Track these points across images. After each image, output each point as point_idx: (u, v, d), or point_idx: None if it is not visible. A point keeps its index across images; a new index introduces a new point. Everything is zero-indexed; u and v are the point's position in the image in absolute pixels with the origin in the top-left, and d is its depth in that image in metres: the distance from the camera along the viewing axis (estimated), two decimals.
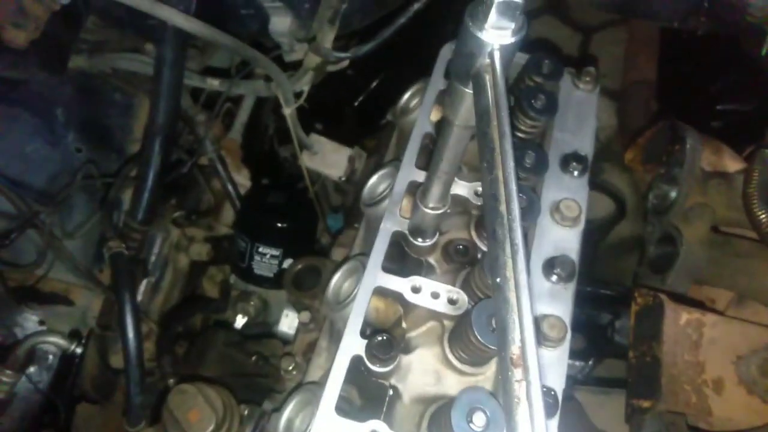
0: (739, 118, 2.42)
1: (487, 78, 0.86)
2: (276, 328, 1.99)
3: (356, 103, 2.78)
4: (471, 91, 0.92)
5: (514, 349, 0.76)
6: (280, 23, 1.72)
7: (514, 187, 0.84)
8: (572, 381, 2.01)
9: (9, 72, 1.62)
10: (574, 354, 2.23)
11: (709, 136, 1.51)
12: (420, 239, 1.32)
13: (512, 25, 0.82)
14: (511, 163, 0.85)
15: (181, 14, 1.46)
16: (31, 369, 2.04)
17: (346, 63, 1.82)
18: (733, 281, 1.39)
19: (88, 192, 2.15)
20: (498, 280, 0.80)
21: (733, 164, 1.45)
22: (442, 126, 1.06)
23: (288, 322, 1.96)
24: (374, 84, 2.76)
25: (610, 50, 3.07)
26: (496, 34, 0.83)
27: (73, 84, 2.14)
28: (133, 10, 1.59)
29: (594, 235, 2.42)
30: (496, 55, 0.85)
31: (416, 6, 1.56)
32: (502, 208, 0.83)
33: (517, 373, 0.75)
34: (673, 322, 1.32)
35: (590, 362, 2.18)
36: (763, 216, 1.28)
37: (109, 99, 2.29)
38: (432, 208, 1.24)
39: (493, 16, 0.81)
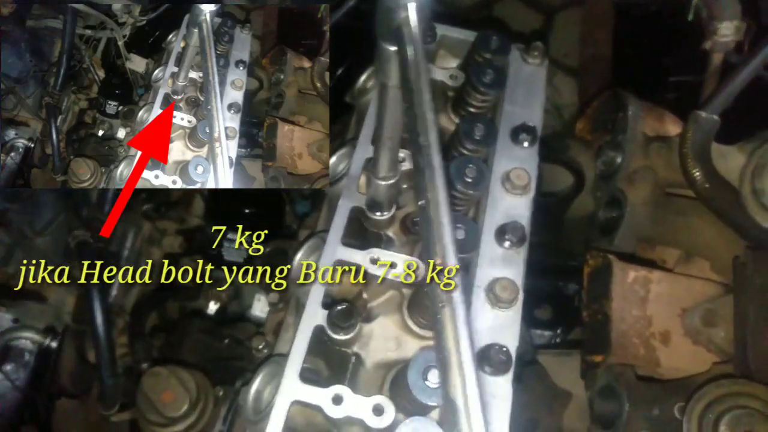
0: (691, 88, 2.50)
1: (406, 31, 0.92)
2: (249, 312, 2.03)
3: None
4: (391, 47, 0.96)
5: (437, 260, 0.85)
6: None
7: (432, 118, 0.91)
8: (538, 347, 2.08)
9: None
10: (542, 324, 2.30)
11: (651, 104, 1.58)
12: (378, 213, 1.37)
13: None
14: (428, 97, 0.92)
15: None
16: (8, 367, 2.05)
17: None
18: (676, 239, 1.47)
19: (55, 190, 2.16)
20: (421, 202, 0.88)
21: (674, 128, 1.52)
22: (378, 93, 1.10)
23: (260, 306, 2.00)
24: (339, 71, 2.80)
25: (572, 30, 3.13)
26: None
27: None
28: None
29: (557, 208, 2.49)
30: (411, 7, 0.92)
31: None
32: (422, 139, 0.90)
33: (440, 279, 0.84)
34: (621, 280, 1.39)
35: (558, 331, 2.26)
36: (697, 173, 1.35)
37: None
38: (383, 179, 1.28)
39: None
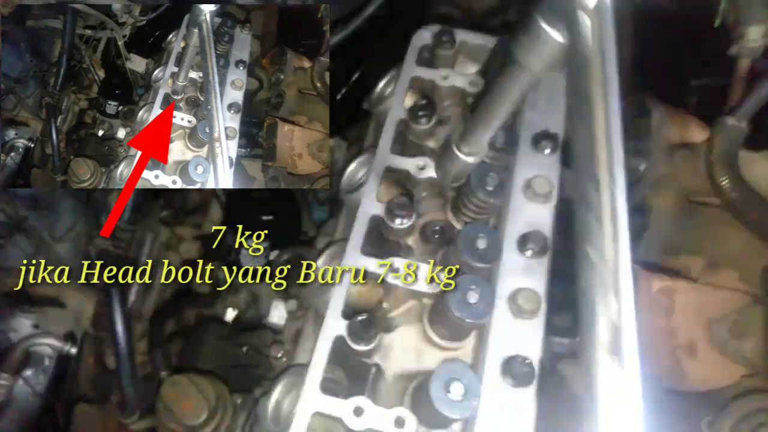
0: (712, 93, 2.46)
1: (588, 21, 0.72)
2: (267, 319, 2.02)
3: (338, 97, 2.81)
4: (557, 35, 0.77)
5: (605, 335, 0.66)
6: None
7: (618, 148, 0.71)
8: (559, 356, 2.05)
9: None
10: (562, 331, 2.26)
11: (676, 109, 1.55)
12: (399, 221, 1.35)
13: None
14: (616, 122, 0.73)
15: None
16: (28, 372, 2.06)
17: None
18: (702, 248, 1.44)
19: (75, 196, 2.18)
20: (589, 252, 0.70)
21: (699, 135, 1.49)
22: (507, 68, 0.91)
23: (278, 314, 1.99)
24: (354, 77, 2.79)
25: None
26: None
27: None
28: None
29: None
30: None
31: None
32: (601, 171, 0.70)
33: (608, 361, 0.65)
34: (645, 290, 1.36)
35: (578, 339, 2.22)
36: (725, 182, 1.32)
37: None
38: (468, 154, 1.18)
39: None
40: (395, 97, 1.57)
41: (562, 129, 1.52)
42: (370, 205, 1.38)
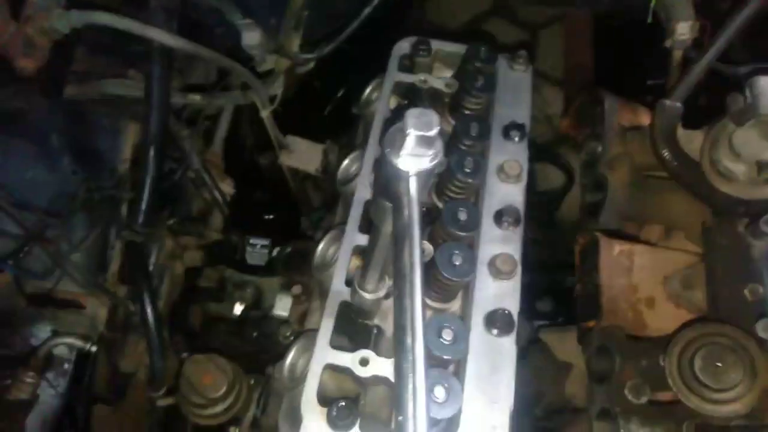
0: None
1: (405, 201, 0.90)
2: (271, 312, 2.19)
3: (325, 113, 3.02)
4: (388, 207, 0.97)
5: None
6: (252, 37, 1.96)
7: (419, 320, 0.86)
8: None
9: (15, 101, 1.82)
10: (544, 316, 2.46)
11: (625, 98, 1.79)
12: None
13: (430, 153, 0.86)
14: (418, 298, 0.87)
15: (168, 33, 1.69)
16: (50, 374, 2.19)
17: (312, 64, 2.07)
18: (655, 215, 1.64)
19: (87, 209, 2.33)
20: (400, 418, 0.83)
21: (646, 119, 1.71)
22: (372, 227, 1.15)
23: (282, 306, 2.15)
24: (341, 93, 3.00)
25: (557, 44, 3.36)
26: (413, 161, 0.86)
27: (65, 111, 2.34)
28: (118, 38, 1.82)
29: (551, 205, 2.68)
30: (412, 182, 0.88)
31: (367, 10, 1.81)
32: (409, 340, 0.86)
33: None
34: (607, 253, 1.56)
35: (560, 321, 2.42)
36: (666, 154, 1.53)
37: (98, 123, 2.49)
38: (371, 292, 1.37)
39: (409, 145, 0.85)
40: (381, 99, 1.78)
41: (528, 121, 1.74)
42: (365, 191, 1.58)
